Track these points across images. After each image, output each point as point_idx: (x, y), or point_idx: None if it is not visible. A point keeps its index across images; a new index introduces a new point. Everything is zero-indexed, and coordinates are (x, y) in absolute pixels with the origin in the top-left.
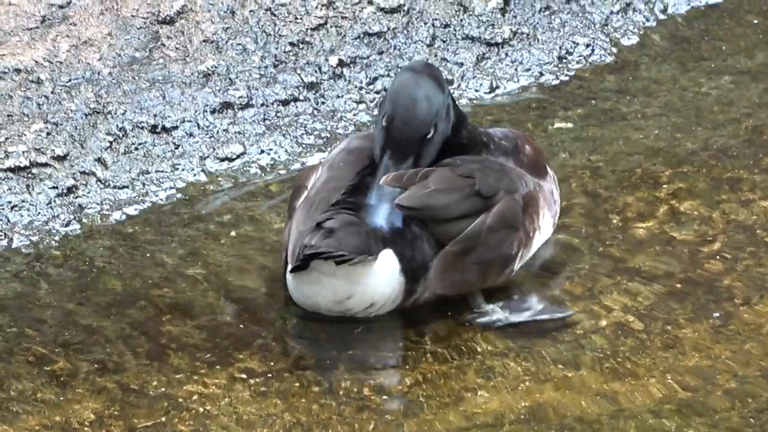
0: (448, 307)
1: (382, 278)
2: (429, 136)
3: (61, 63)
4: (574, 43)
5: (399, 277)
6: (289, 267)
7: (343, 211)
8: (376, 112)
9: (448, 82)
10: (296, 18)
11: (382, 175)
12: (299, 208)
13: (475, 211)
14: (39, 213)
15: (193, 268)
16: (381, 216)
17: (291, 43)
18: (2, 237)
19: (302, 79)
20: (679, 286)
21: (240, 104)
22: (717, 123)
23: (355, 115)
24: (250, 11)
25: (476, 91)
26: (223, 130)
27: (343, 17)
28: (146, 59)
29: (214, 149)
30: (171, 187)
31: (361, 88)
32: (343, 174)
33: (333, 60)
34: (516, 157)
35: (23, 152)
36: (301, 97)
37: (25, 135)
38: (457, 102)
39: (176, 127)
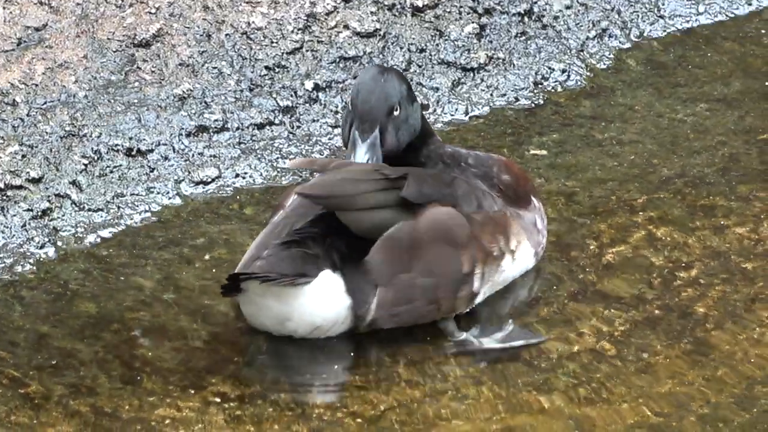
0: (420, 332)
1: (321, 300)
2: (396, 113)
3: (36, 86)
4: (549, 68)
5: (344, 299)
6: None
7: (293, 237)
8: None
9: (424, 107)
10: (272, 42)
11: (351, 151)
12: (262, 232)
13: (391, 204)
14: (13, 235)
15: (167, 292)
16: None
17: (267, 67)
18: None
19: (278, 103)
20: (653, 312)
21: (215, 128)
22: (692, 150)
23: (330, 139)
24: (226, 35)
25: (452, 115)
26: (199, 154)
27: (319, 41)
28: (122, 82)
29: (189, 172)
30: (146, 210)
31: (336, 113)
32: None
33: (308, 84)
34: (489, 183)
35: None
36: (276, 121)
37: (0, 157)
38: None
39: (151, 150)
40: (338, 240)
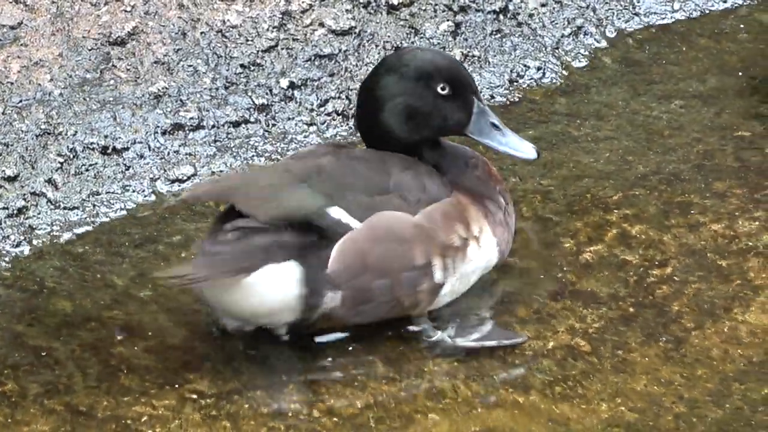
0: (397, 330)
1: (263, 291)
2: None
3: (12, 84)
4: (525, 66)
5: (293, 289)
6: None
7: (251, 224)
8: (326, 134)
9: None
10: (247, 40)
11: (499, 136)
12: (217, 215)
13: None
14: None
15: (143, 290)
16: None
17: (242, 65)
18: None
19: (253, 101)
20: (628, 309)
21: (191, 126)
22: (668, 147)
23: (306, 137)
24: (201, 33)
25: None
26: (174, 152)
27: (294, 39)
28: (97, 80)
29: (165, 171)
30: (121, 209)
31: (312, 111)
32: None
33: (284, 82)
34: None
35: None
36: (252, 119)
37: None
38: None
39: (127, 149)
40: (298, 227)
